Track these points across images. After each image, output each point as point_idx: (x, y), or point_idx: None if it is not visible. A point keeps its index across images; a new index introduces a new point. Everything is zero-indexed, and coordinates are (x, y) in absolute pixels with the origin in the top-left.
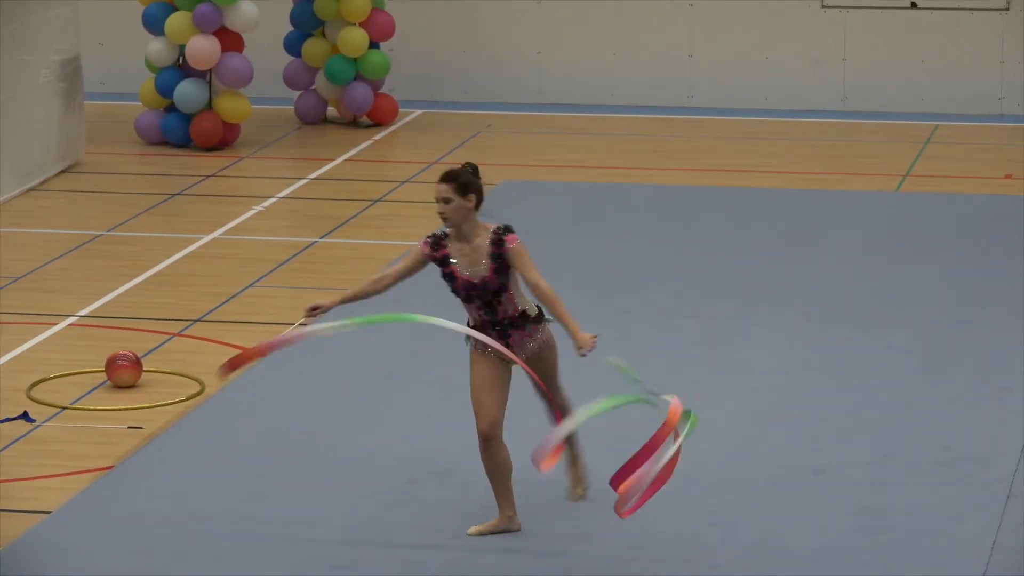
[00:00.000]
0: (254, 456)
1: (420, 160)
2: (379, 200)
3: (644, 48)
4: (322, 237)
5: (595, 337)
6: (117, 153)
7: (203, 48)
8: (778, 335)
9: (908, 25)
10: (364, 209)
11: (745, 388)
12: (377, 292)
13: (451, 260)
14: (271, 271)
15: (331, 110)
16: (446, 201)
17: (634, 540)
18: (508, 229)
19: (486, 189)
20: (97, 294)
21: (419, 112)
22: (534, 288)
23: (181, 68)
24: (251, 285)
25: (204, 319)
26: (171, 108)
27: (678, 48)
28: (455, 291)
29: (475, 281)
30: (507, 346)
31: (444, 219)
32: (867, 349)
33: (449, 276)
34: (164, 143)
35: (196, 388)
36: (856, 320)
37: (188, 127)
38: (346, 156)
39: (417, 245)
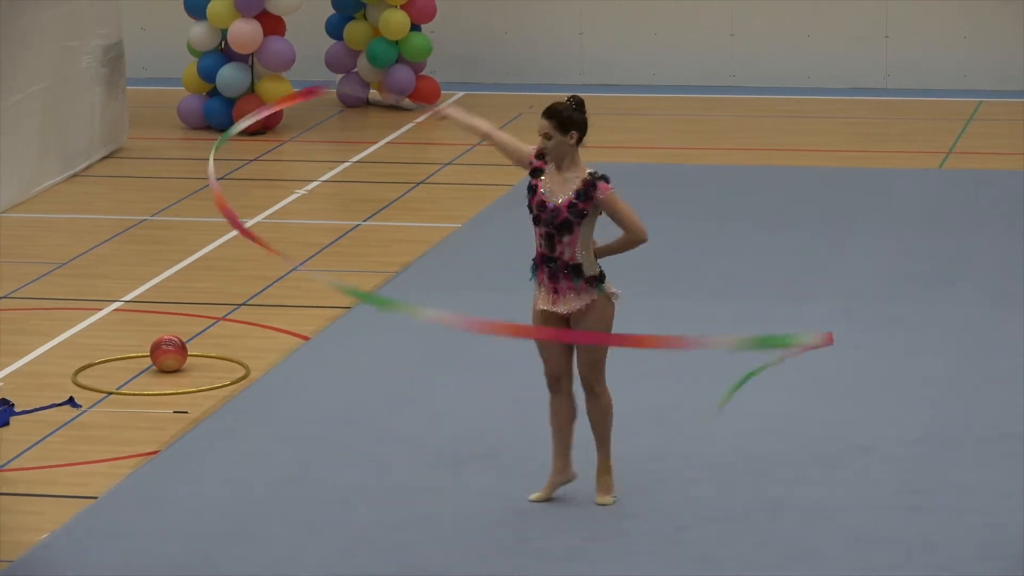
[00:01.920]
0: (299, 439)
1: (462, 142)
2: (421, 183)
3: (686, 28)
4: (365, 220)
5: None
6: (160, 138)
7: (245, 32)
8: (823, 314)
9: (950, 2)
10: (406, 192)
11: (791, 367)
12: (487, 138)
13: (541, 176)
14: (315, 255)
15: (373, 93)
16: (547, 137)
17: (682, 519)
18: (603, 177)
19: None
20: (142, 279)
21: (461, 94)
22: (632, 229)
23: (223, 52)
24: (295, 269)
25: (248, 303)
26: (213, 92)
27: (720, 27)
28: (529, 207)
29: (548, 204)
30: (554, 291)
31: (545, 154)
32: (912, 327)
33: (531, 188)
34: (207, 127)
35: (241, 372)
36: (901, 298)
37: (231, 111)
38: (388, 139)
39: (530, 148)
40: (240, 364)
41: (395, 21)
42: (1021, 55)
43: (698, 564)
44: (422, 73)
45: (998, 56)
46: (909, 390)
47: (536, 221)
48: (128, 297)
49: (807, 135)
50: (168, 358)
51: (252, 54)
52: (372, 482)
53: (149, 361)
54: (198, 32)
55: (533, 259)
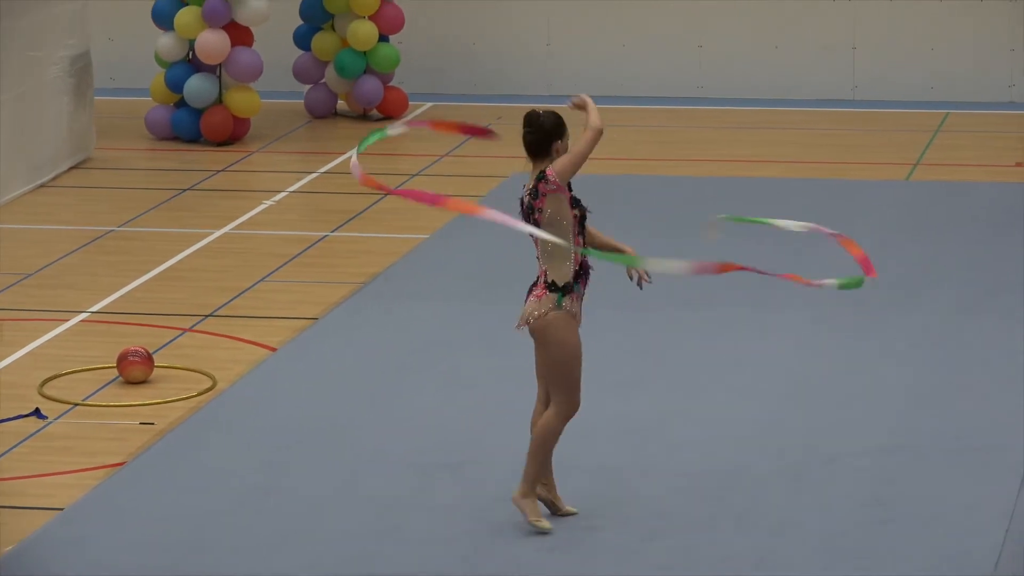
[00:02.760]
0: (266, 450)
1: (430, 153)
2: (389, 194)
3: (653, 39)
4: (332, 231)
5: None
6: (127, 148)
7: (213, 43)
8: (791, 324)
9: (918, 14)
10: (374, 203)
11: (758, 377)
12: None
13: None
14: (282, 266)
15: (341, 103)
16: None
17: (647, 529)
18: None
19: (497, 182)
20: (108, 290)
21: (429, 105)
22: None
23: (191, 63)
24: (262, 280)
25: (215, 314)
26: (181, 103)
27: (688, 39)
28: (584, 217)
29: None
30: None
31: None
32: (879, 338)
33: (580, 202)
34: (174, 138)
35: (208, 383)
36: (868, 309)
37: (198, 122)
38: (356, 150)
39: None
40: (207, 375)
41: (363, 32)
42: (988, 66)
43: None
44: (390, 84)
45: (965, 68)
46: (876, 399)
47: (582, 224)
48: (95, 308)
49: (775, 146)
50: (135, 369)
51: (220, 65)
52: (338, 492)
53: (115, 372)
54: (166, 42)
55: (573, 274)
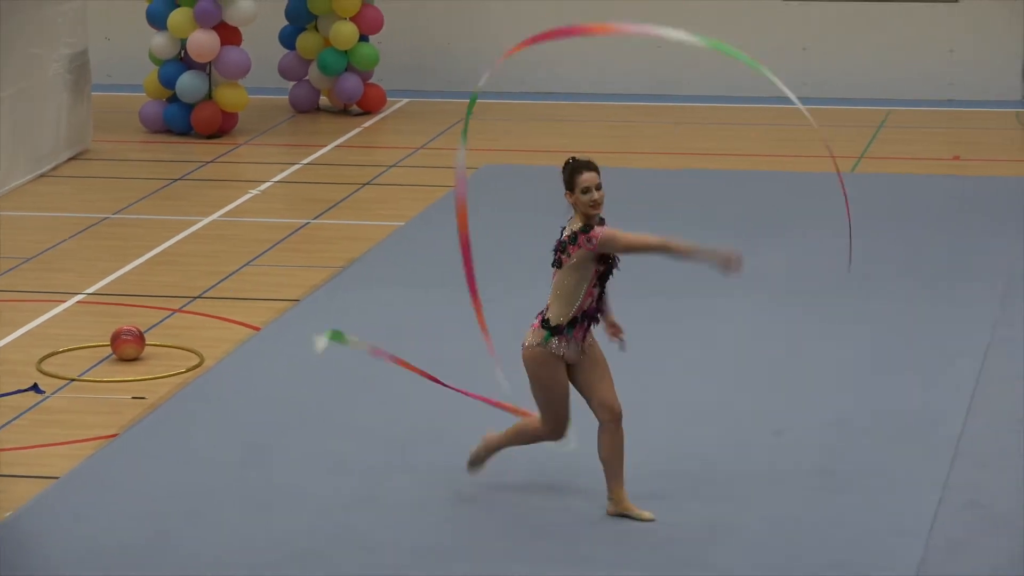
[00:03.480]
0: (252, 425)
1: (406, 146)
2: (368, 184)
3: (615, 39)
4: (314, 218)
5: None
6: (122, 141)
7: (203, 42)
8: (740, 309)
9: (864, 16)
10: (353, 192)
11: (709, 358)
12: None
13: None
14: (266, 251)
15: (323, 99)
16: (598, 188)
17: (599, 499)
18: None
19: (468, 173)
20: (103, 273)
21: (406, 101)
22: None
23: (183, 61)
24: (248, 264)
25: (204, 296)
26: (173, 98)
27: (647, 39)
28: (609, 272)
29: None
30: (583, 339)
31: (598, 206)
32: (824, 321)
33: (611, 259)
34: (167, 131)
35: (196, 360)
36: (813, 294)
37: (189, 116)
38: (337, 143)
39: (607, 229)
40: (195, 353)
41: (344, 32)
42: (928, 66)
43: (613, 544)
44: (370, 81)
45: (907, 67)
46: (820, 379)
47: (602, 279)
48: (91, 290)
49: (729, 140)
50: (127, 347)
51: (210, 62)
52: (319, 464)
53: (109, 350)
54: (159, 42)
55: (570, 319)
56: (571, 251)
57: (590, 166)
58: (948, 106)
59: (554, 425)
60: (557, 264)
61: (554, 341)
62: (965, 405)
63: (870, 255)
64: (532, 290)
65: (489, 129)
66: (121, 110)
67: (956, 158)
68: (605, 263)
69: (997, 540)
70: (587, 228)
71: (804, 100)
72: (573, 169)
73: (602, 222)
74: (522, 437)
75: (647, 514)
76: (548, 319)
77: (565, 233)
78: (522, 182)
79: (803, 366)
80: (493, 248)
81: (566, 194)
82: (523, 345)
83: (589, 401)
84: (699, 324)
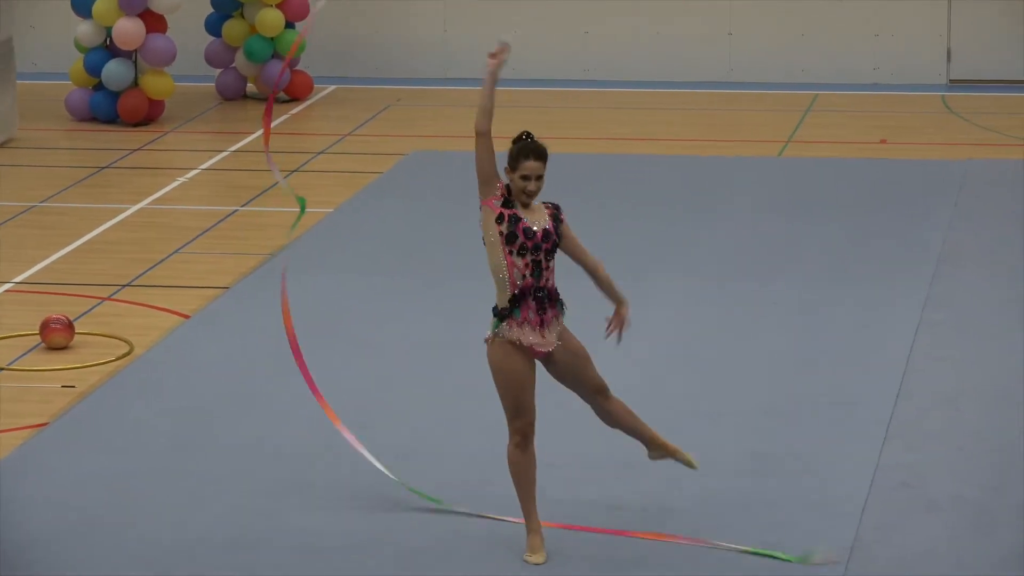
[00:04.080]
0: (181, 412)
1: (334, 132)
2: (296, 171)
3: (542, 25)
4: (243, 206)
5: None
6: (49, 129)
7: (129, 29)
8: (672, 294)
9: (789, 1)
10: (283, 179)
11: (643, 343)
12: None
13: (514, 206)
14: (195, 238)
15: (250, 86)
16: (539, 178)
17: (539, 484)
18: (559, 207)
19: (397, 159)
20: (31, 261)
21: (333, 87)
22: (585, 258)
23: (108, 49)
24: (176, 252)
25: (132, 284)
26: (99, 86)
27: (575, 25)
28: (512, 236)
29: (536, 229)
30: (541, 323)
31: (531, 196)
32: (755, 305)
33: (513, 218)
34: (93, 119)
35: (125, 349)
36: (744, 278)
37: (115, 104)
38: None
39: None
40: (124, 341)
41: (270, 19)
42: (854, 51)
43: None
44: (296, 68)
45: (834, 52)
46: (752, 364)
47: (521, 252)
48: (19, 278)
49: (656, 125)
50: (56, 335)
51: (136, 50)
52: (250, 451)
53: (39, 338)
54: (84, 29)
55: (509, 299)
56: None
57: (539, 154)
58: (874, 90)
59: (510, 423)
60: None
61: (504, 327)
62: (895, 388)
63: (798, 240)
64: (461, 279)
65: (417, 115)
66: (47, 98)
67: (883, 141)
68: (506, 224)
69: (929, 522)
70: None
71: (731, 85)
72: (520, 151)
73: (556, 208)
74: (515, 479)
75: (693, 459)
76: (495, 307)
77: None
78: (450, 169)
79: (734, 350)
80: (421, 235)
81: (506, 168)
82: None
83: (582, 394)
84: (632, 309)
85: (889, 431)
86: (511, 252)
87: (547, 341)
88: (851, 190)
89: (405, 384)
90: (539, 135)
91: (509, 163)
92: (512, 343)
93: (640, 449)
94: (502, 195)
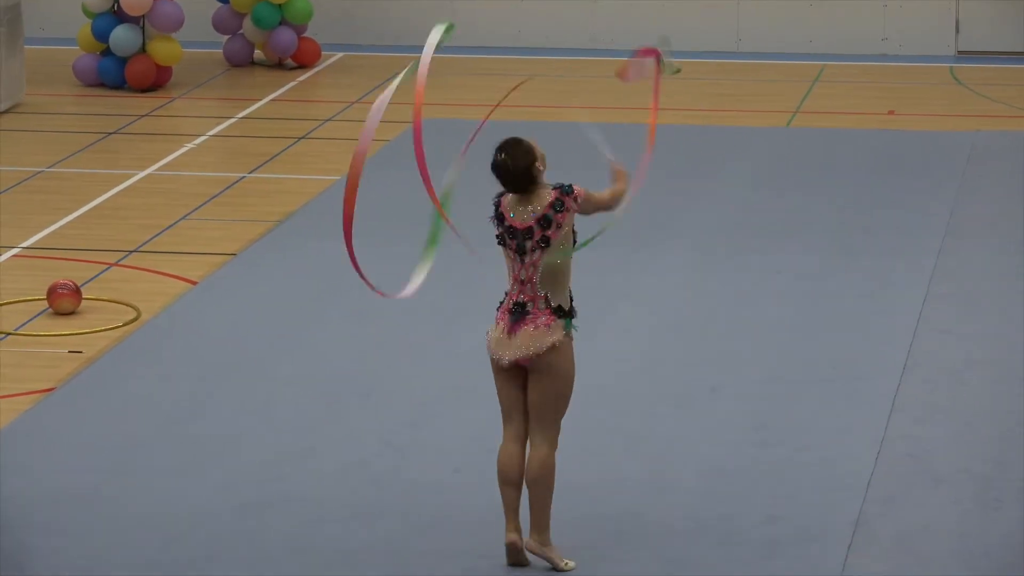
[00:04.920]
0: (187, 379)
1: (341, 100)
2: (303, 138)
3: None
4: (250, 172)
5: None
6: (56, 95)
7: None
8: (677, 263)
9: None
10: (289, 146)
11: (646, 313)
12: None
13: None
14: (202, 204)
15: (258, 53)
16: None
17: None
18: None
19: (404, 127)
20: (38, 227)
21: (340, 55)
22: (610, 200)
23: (116, 14)
24: (183, 218)
25: (139, 250)
26: (107, 52)
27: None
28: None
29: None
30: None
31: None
32: (760, 275)
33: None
34: (100, 85)
35: (132, 314)
36: (750, 248)
37: (123, 70)
38: (272, 96)
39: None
40: (131, 307)
41: None
42: (862, 21)
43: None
44: (304, 35)
45: (841, 22)
46: (756, 333)
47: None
48: (26, 244)
49: (664, 95)
50: (63, 301)
51: (143, 16)
52: (254, 417)
53: (46, 304)
54: None
55: (571, 302)
56: (560, 220)
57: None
58: (882, 60)
59: (558, 428)
60: (544, 243)
61: (574, 325)
62: (902, 360)
63: (805, 210)
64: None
65: (427, 82)
66: (55, 64)
67: (891, 112)
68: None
69: (934, 494)
70: (568, 188)
71: (739, 56)
72: (530, 141)
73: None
74: (552, 488)
75: (570, 563)
76: (559, 306)
77: (539, 210)
78: (457, 137)
79: (740, 321)
80: (426, 203)
81: (537, 164)
82: (544, 349)
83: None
84: (633, 279)
85: (895, 404)
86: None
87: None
88: (858, 161)
89: (408, 351)
90: (545, 103)
91: (536, 156)
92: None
93: (645, 423)
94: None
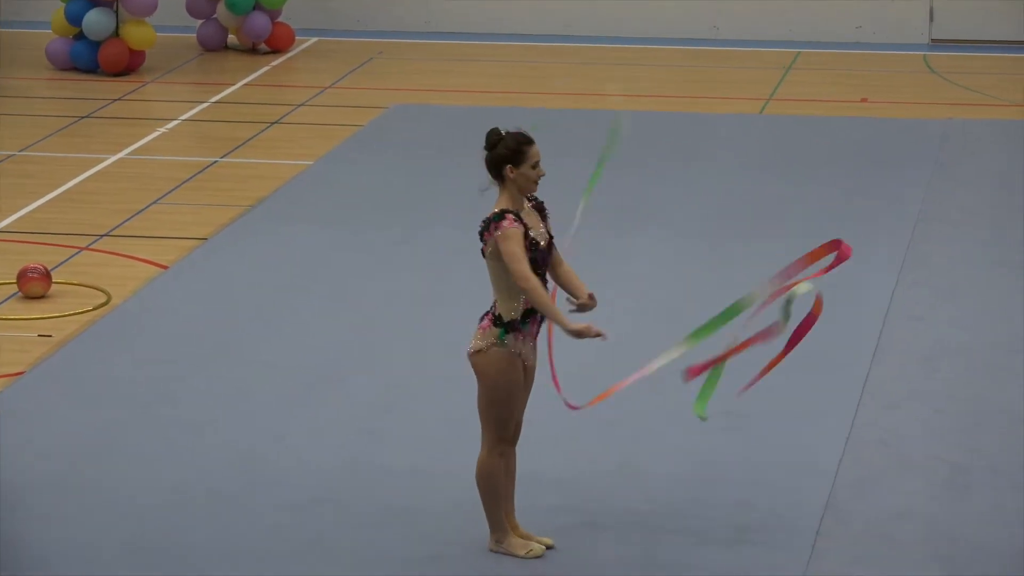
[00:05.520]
0: (158, 363)
1: (315, 85)
2: (276, 123)
3: None
4: (222, 157)
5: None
6: (29, 78)
7: None
8: (651, 250)
9: None
10: (262, 131)
11: (624, 297)
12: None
13: (530, 232)
14: (174, 189)
15: (231, 38)
16: (539, 162)
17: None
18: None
19: (378, 112)
20: (9, 210)
21: (314, 40)
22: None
23: None
24: (155, 202)
25: (110, 234)
26: (80, 36)
27: None
28: (533, 260)
29: (541, 243)
30: (535, 336)
31: (536, 185)
32: (731, 261)
33: (532, 244)
34: (73, 68)
35: (103, 299)
36: (724, 235)
37: (96, 53)
38: (245, 81)
39: (512, 228)
40: (102, 291)
41: None
42: (837, 9)
43: (520, 485)
44: (278, 20)
45: (817, 10)
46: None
47: (534, 264)
48: None
49: (641, 82)
50: (34, 285)
51: (117, 0)
52: (226, 402)
53: (15, 288)
54: None
55: (522, 312)
56: (486, 238)
57: (532, 138)
58: (856, 48)
59: (495, 434)
60: (481, 253)
61: (510, 338)
62: (872, 346)
63: (778, 197)
64: (438, 232)
65: (399, 69)
66: (27, 47)
67: (864, 100)
68: (532, 250)
69: (904, 479)
70: (499, 216)
71: (714, 43)
72: (520, 140)
73: (541, 203)
74: (487, 489)
75: (535, 548)
76: (499, 315)
77: (483, 218)
78: (431, 122)
79: (711, 307)
80: (400, 188)
81: (508, 168)
82: (471, 351)
83: None
84: (607, 262)
85: (865, 390)
86: (540, 271)
87: (535, 356)
88: (832, 148)
89: (382, 337)
90: (520, 90)
91: (511, 159)
92: (512, 355)
93: (618, 408)
94: (516, 222)
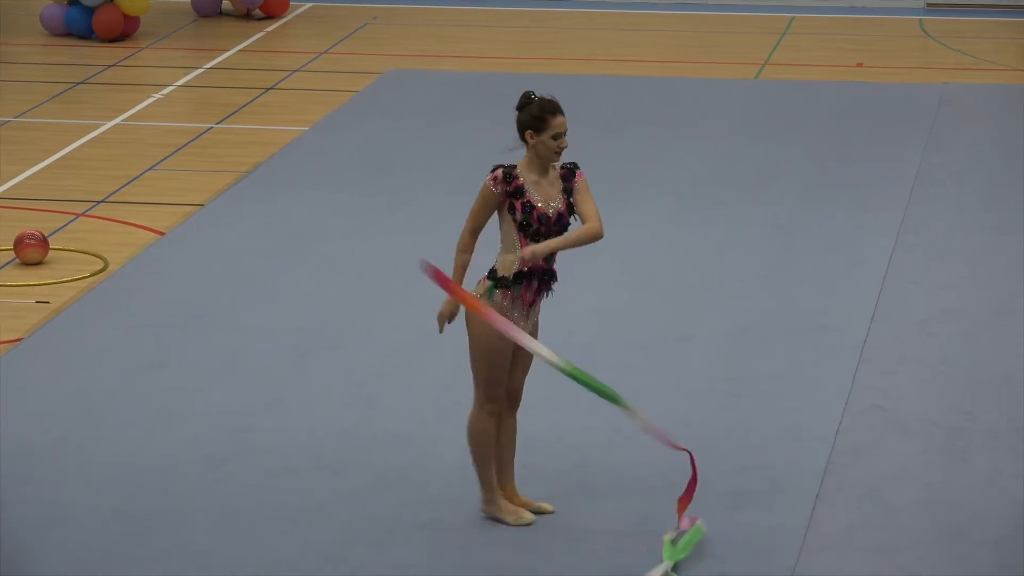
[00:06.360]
0: (155, 329)
1: (309, 51)
2: (271, 88)
3: None
4: (217, 123)
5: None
6: (24, 44)
7: None
8: (646, 215)
9: None
10: (257, 97)
11: (618, 263)
12: (469, 261)
13: (526, 190)
14: (170, 155)
15: (226, 3)
16: (565, 132)
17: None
18: (576, 165)
19: (372, 78)
20: (5, 177)
21: (308, 5)
22: (591, 221)
23: None
24: (151, 168)
25: (107, 200)
26: (74, 2)
27: None
28: (526, 224)
29: (550, 214)
30: (531, 304)
31: (559, 155)
32: (729, 228)
33: (526, 207)
34: (68, 35)
35: (100, 265)
36: (720, 199)
37: (91, 19)
38: (240, 47)
39: (486, 184)
40: (99, 257)
41: None
42: None
43: (524, 451)
44: None
45: None
46: (727, 284)
47: (535, 236)
48: None
49: (635, 47)
50: (31, 251)
51: None
52: (221, 368)
53: (12, 254)
54: None
55: (515, 273)
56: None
57: (560, 108)
58: (851, 13)
59: (481, 392)
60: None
61: (497, 295)
62: (869, 311)
63: (774, 162)
64: (433, 197)
65: (393, 34)
66: (22, 13)
67: (859, 65)
68: (533, 219)
69: (901, 444)
70: (493, 169)
71: (710, 8)
72: (544, 108)
73: (571, 169)
74: (476, 448)
75: (525, 516)
76: (495, 268)
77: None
78: (425, 88)
79: (709, 273)
80: (395, 153)
81: (528, 133)
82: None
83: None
84: (609, 230)
85: (863, 355)
86: (525, 236)
87: (527, 324)
88: (827, 113)
89: (378, 302)
90: (513, 55)
91: (532, 125)
92: (501, 311)
93: (616, 374)
94: (498, 181)
